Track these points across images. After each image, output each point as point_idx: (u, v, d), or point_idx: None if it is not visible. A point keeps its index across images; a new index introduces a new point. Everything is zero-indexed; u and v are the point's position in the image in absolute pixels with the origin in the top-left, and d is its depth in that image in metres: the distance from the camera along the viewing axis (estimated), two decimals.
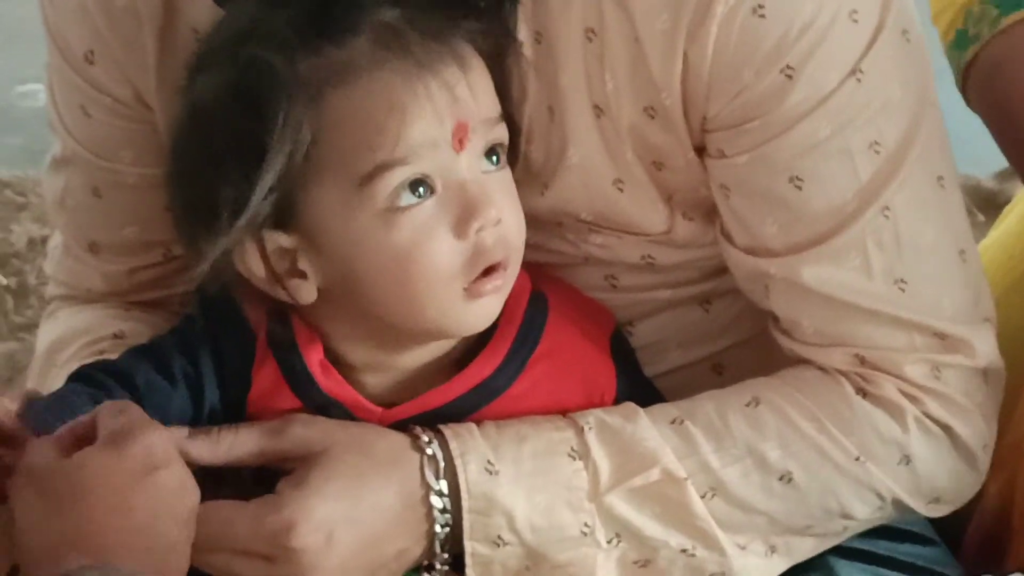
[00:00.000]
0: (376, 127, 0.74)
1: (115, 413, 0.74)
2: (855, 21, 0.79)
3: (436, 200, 0.75)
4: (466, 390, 0.81)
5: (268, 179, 0.73)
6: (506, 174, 0.80)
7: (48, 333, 1.03)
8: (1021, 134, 1.02)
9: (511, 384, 0.82)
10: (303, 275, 0.78)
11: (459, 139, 0.75)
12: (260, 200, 0.74)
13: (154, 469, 0.74)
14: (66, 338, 0.98)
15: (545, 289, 0.86)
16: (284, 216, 0.76)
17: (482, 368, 0.81)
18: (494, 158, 0.78)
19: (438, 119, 0.74)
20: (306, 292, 0.78)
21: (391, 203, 0.74)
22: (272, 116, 0.72)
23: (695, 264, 0.91)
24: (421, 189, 0.74)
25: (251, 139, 0.73)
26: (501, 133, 0.79)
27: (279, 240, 0.77)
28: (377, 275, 0.77)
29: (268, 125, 0.72)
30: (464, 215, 0.75)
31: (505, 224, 0.77)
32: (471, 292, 0.77)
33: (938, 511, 0.91)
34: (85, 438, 0.73)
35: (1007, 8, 1.01)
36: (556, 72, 0.82)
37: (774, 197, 0.82)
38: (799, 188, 0.81)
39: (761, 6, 0.77)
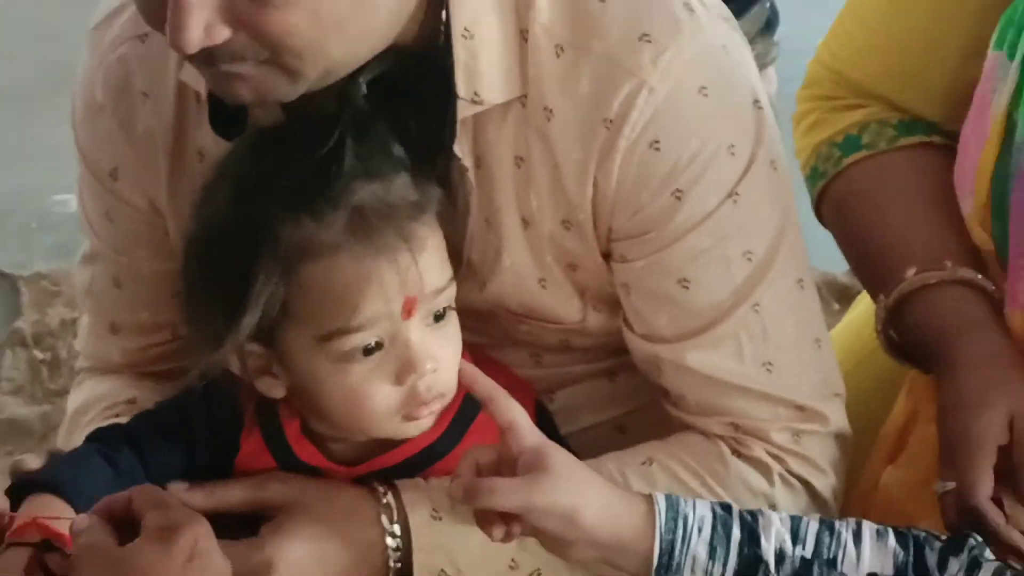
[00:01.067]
0: (336, 300, 0.86)
1: (157, 505, 0.85)
2: (732, 154, 0.92)
3: (382, 354, 0.88)
4: (414, 453, 0.94)
5: (247, 322, 0.86)
6: (449, 320, 0.93)
7: (75, 399, 1.15)
8: (859, 254, 1.17)
9: (452, 449, 0.94)
10: (275, 376, 0.91)
11: (407, 310, 0.87)
12: (239, 332, 0.87)
13: (197, 557, 0.84)
14: (89, 403, 1.10)
15: (482, 369, 0.95)
16: (262, 335, 0.88)
17: (428, 437, 0.94)
18: (439, 318, 0.91)
19: (390, 297, 0.86)
20: (276, 390, 0.92)
21: (345, 358, 0.87)
22: (254, 275, 0.85)
23: (603, 346, 1.03)
24: (372, 348, 0.87)
25: (238, 284, 0.86)
26: (448, 296, 0.91)
27: (255, 349, 0.90)
28: (331, 402, 0.91)
29: (251, 280, 0.85)
30: (405, 369, 0.88)
31: (440, 371, 0.90)
32: (407, 418, 0.90)
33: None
34: (121, 515, 0.84)
35: (847, 151, 1.16)
36: (492, 191, 0.94)
37: (665, 295, 0.94)
38: (686, 288, 0.94)
39: (657, 141, 0.89)
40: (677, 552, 0.94)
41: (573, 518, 0.87)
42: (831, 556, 0.95)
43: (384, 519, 0.94)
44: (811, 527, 0.95)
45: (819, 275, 1.70)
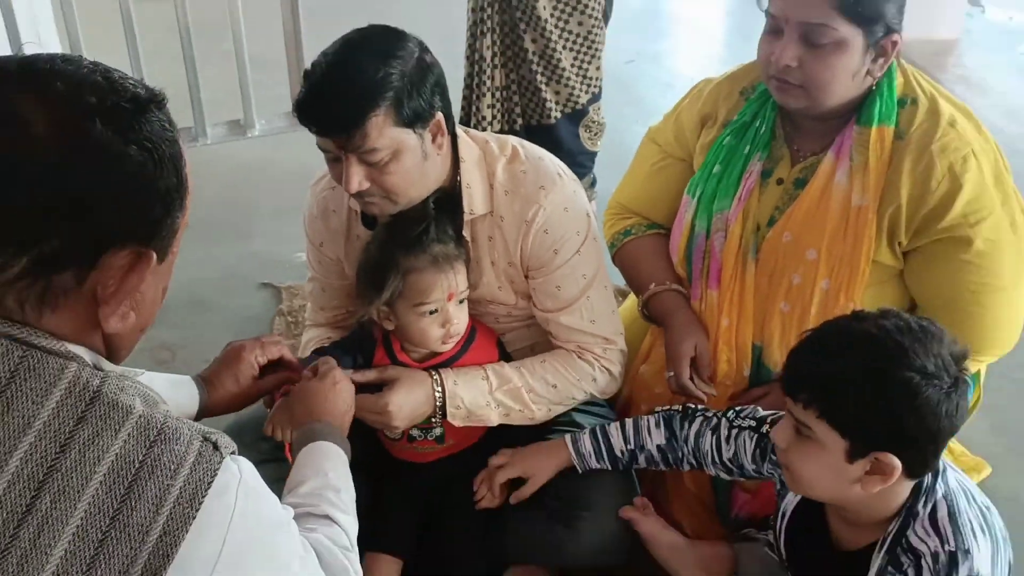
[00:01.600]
0: (421, 291, 1.51)
1: (324, 363, 1.46)
2: (577, 234, 1.60)
3: (437, 315, 1.54)
4: (447, 357, 1.62)
5: (382, 297, 1.51)
6: (465, 302, 1.58)
7: (305, 336, 1.83)
8: (630, 279, 1.86)
9: (462, 356, 1.64)
10: (391, 320, 1.57)
11: (449, 298, 1.54)
12: (379, 301, 1.52)
13: (336, 384, 1.41)
14: (312, 338, 1.78)
15: (475, 324, 1.67)
16: (387, 303, 1.53)
17: (453, 351, 1.62)
18: (461, 301, 1.56)
19: (443, 292, 1.52)
20: (390, 326, 1.58)
21: (422, 314, 1.53)
22: (387, 279, 1.51)
23: (524, 314, 1.71)
24: (434, 310, 1.53)
25: (380, 282, 1.52)
26: (465, 292, 1.56)
27: (384, 309, 1.55)
28: (413, 333, 1.57)
29: (386, 281, 1.51)
30: (446, 321, 1.55)
31: (459, 323, 1.57)
32: (444, 342, 1.58)
33: (605, 396, 1.74)
34: (318, 371, 1.45)
35: (625, 236, 1.88)
36: (479, 251, 1.60)
37: (549, 293, 1.63)
38: (559, 290, 1.63)
39: (547, 231, 1.57)
40: (583, 446, 1.62)
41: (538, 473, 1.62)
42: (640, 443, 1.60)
43: (434, 383, 1.59)
44: (627, 426, 1.62)
45: (616, 286, 2.34)
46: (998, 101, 4.00)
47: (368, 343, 1.68)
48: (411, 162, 1.45)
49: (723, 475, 1.59)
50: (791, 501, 1.47)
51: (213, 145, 3.34)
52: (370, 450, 1.69)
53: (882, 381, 1.20)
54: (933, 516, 1.27)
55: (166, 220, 0.87)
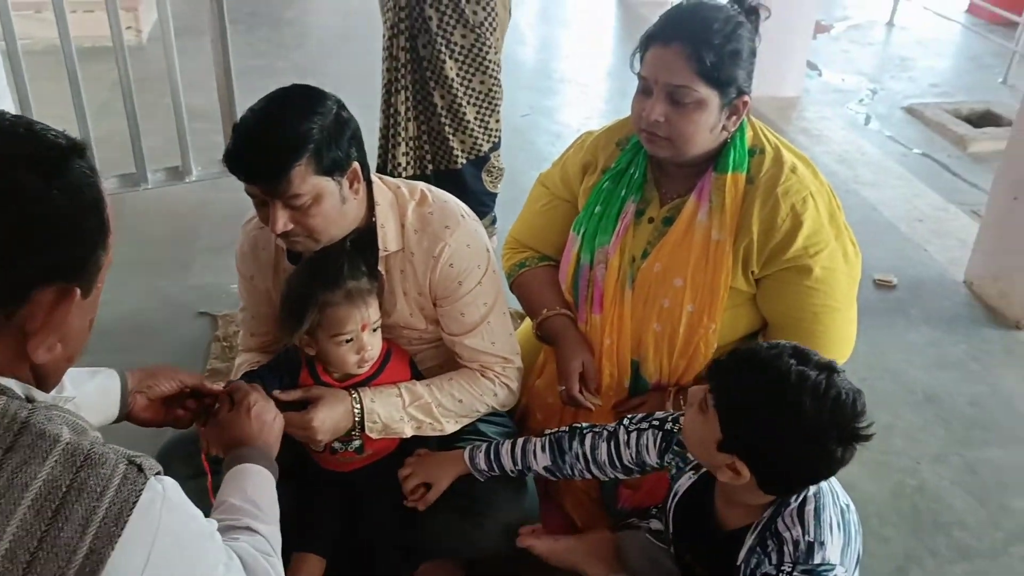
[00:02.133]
0: (337, 323, 1.49)
1: (238, 391, 1.40)
2: (479, 267, 1.60)
3: (353, 342, 1.51)
4: (365, 377, 1.59)
5: (303, 328, 1.48)
6: (377, 330, 1.55)
7: (238, 360, 1.77)
8: (526, 306, 1.85)
9: (378, 377, 1.60)
10: (312, 347, 1.54)
11: (363, 327, 1.51)
12: (300, 331, 1.49)
13: (251, 409, 1.36)
14: (243, 362, 1.73)
15: (390, 347, 1.64)
16: (308, 332, 1.50)
17: (368, 372, 1.59)
18: (375, 329, 1.54)
19: (357, 323, 1.50)
20: (311, 352, 1.54)
21: (338, 342, 1.50)
22: (307, 311, 1.48)
23: (434, 336, 1.69)
24: (349, 338, 1.50)
25: (301, 314, 1.48)
26: (377, 322, 1.53)
27: (305, 337, 1.51)
28: (333, 358, 1.54)
29: (306, 313, 1.48)
30: (360, 348, 1.52)
31: (372, 350, 1.54)
32: (359, 365, 1.55)
33: (505, 409, 1.74)
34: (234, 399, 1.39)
35: (520, 268, 1.87)
36: (392, 283, 1.59)
37: (455, 319, 1.62)
38: (463, 316, 1.62)
39: (452, 265, 1.57)
40: (479, 462, 1.61)
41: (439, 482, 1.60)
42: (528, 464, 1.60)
43: (353, 401, 1.56)
44: (516, 448, 1.61)
45: (513, 310, 2.50)
46: (833, 148, 4.14)
47: (294, 365, 1.64)
48: (330, 206, 1.44)
49: (621, 476, 1.59)
50: (683, 484, 1.48)
51: (154, 189, 3.23)
52: (297, 461, 1.66)
53: (762, 412, 1.22)
54: (801, 509, 1.29)
55: (90, 259, 0.84)
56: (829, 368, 1.23)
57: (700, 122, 1.55)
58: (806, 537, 1.26)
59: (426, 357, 1.75)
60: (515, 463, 1.62)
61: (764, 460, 1.25)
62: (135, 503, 0.80)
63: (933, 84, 5.23)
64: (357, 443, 1.65)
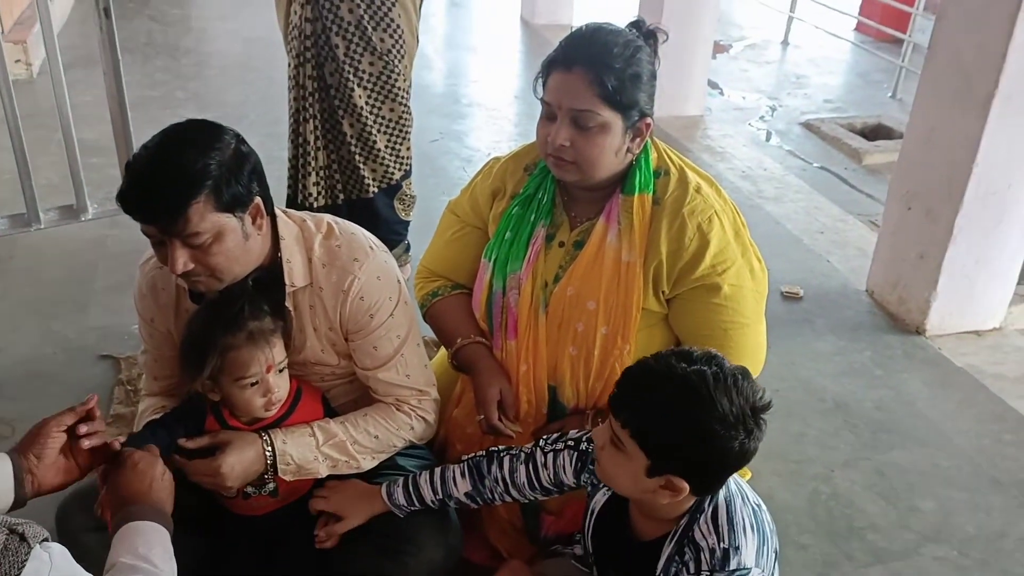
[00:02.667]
0: (241, 366, 1.45)
1: (125, 452, 1.36)
2: (390, 299, 1.58)
3: (258, 386, 1.47)
4: (275, 419, 1.54)
5: (204, 373, 1.43)
6: (284, 370, 1.50)
7: (141, 405, 1.70)
8: (441, 335, 1.85)
9: (290, 416, 1.57)
10: (216, 392, 1.49)
11: (268, 369, 1.47)
12: (202, 377, 1.44)
13: (136, 466, 1.32)
14: (147, 408, 1.66)
15: (300, 384, 1.61)
16: (211, 377, 1.45)
17: (277, 415, 1.54)
18: (281, 370, 1.50)
19: (261, 365, 1.45)
20: (216, 397, 1.50)
21: (243, 386, 1.45)
22: (208, 356, 1.43)
23: (346, 372, 1.65)
24: (254, 382, 1.46)
25: (201, 359, 1.43)
26: (283, 362, 1.49)
27: (208, 383, 1.46)
28: (238, 402, 1.49)
29: (207, 358, 1.42)
30: (266, 390, 1.48)
31: (280, 391, 1.50)
32: (266, 408, 1.50)
33: (423, 442, 1.71)
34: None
35: (433, 297, 1.86)
36: (301, 319, 1.55)
37: (366, 353, 1.59)
38: (375, 350, 1.59)
39: (362, 298, 1.54)
40: (397, 498, 1.58)
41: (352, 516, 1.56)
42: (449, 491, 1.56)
43: (264, 443, 1.52)
44: (435, 478, 1.58)
45: (429, 338, 2.49)
46: (736, 165, 4.25)
47: (199, 411, 1.58)
48: (232, 243, 1.41)
49: (540, 497, 1.58)
50: (599, 500, 1.49)
51: (48, 229, 3.08)
52: (206, 508, 1.61)
53: (686, 423, 1.23)
54: (715, 516, 1.31)
55: None
56: (710, 356, 1.27)
57: (605, 145, 1.56)
58: (721, 544, 1.28)
59: (339, 393, 1.71)
60: (435, 492, 1.59)
61: (699, 466, 1.26)
62: (18, 574, 0.76)
63: (827, 100, 5.44)
64: (271, 486, 1.61)
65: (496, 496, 1.59)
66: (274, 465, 1.54)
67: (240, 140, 1.44)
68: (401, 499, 1.60)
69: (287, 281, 1.53)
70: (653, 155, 1.69)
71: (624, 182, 1.66)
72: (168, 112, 4.35)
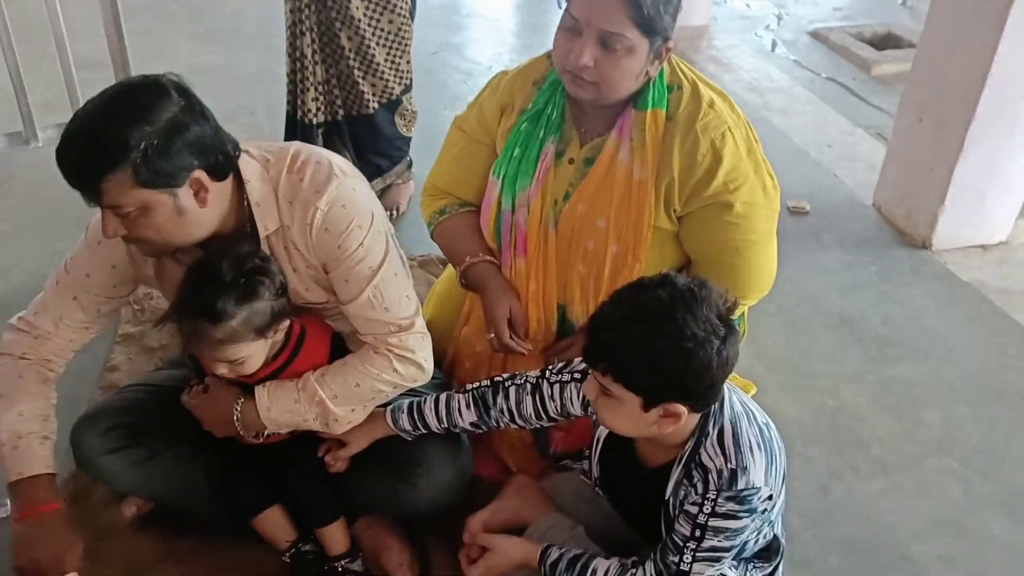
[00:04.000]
0: (204, 355, 1.49)
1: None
2: (359, 227, 1.47)
3: (228, 369, 1.49)
4: (277, 367, 1.54)
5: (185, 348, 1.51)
6: (248, 360, 1.49)
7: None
8: (448, 253, 1.84)
9: (291, 364, 1.55)
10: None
11: (227, 363, 1.48)
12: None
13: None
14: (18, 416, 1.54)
15: (305, 324, 1.58)
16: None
17: (282, 359, 1.54)
18: (241, 363, 1.47)
19: (223, 359, 1.48)
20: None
21: (213, 365, 1.49)
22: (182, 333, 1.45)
23: (335, 308, 1.59)
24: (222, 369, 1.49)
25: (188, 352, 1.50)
26: (243, 360, 1.47)
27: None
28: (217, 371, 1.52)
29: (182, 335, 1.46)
30: (234, 373, 1.50)
31: (247, 369, 1.49)
32: (233, 375, 1.50)
33: (419, 383, 1.61)
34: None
35: (440, 215, 1.84)
36: (280, 262, 1.49)
37: (340, 286, 1.52)
38: (348, 283, 1.51)
39: (327, 228, 1.45)
40: (403, 423, 1.58)
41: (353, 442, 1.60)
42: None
43: (235, 409, 1.54)
44: (440, 406, 1.59)
45: (436, 257, 2.54)
46: (743, 77, 4.16)
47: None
48: (162, 217, 1.33)
49: (547, 424, 1.59)
50: (604, 430, 1.50)
51: (45, 148, 3.00)
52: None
53: (661, 351, 1.22)
54: (720, 437, 1.32)
55: None
56: (661, 279, 1.27)
57: (628, 68, 1.52)
58: (729, 464, 1.30)
59: (347, 325, 1.67)
60: (440, 421, 1.59)
61: (688, 386, 1.26)
62: None
63: (836, 8, 5.29)
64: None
65: (502, 424, 1.60)
66: (243, 426, 1.56)
67: (187, 108, 1.33)
68: (407, 424, 1.60)
69: (259, 227, 1.47)
70: (666, 69, 1.64)
71: (636, 98, 1.63)
72: (160, 22, 4.23)
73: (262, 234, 1.46)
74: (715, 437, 1.32)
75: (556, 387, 1.53)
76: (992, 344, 2.47)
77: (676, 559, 1.34)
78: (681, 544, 1.33)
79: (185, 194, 1.34)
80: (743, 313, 1.86)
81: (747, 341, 2.09)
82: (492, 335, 1.72)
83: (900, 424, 2.16)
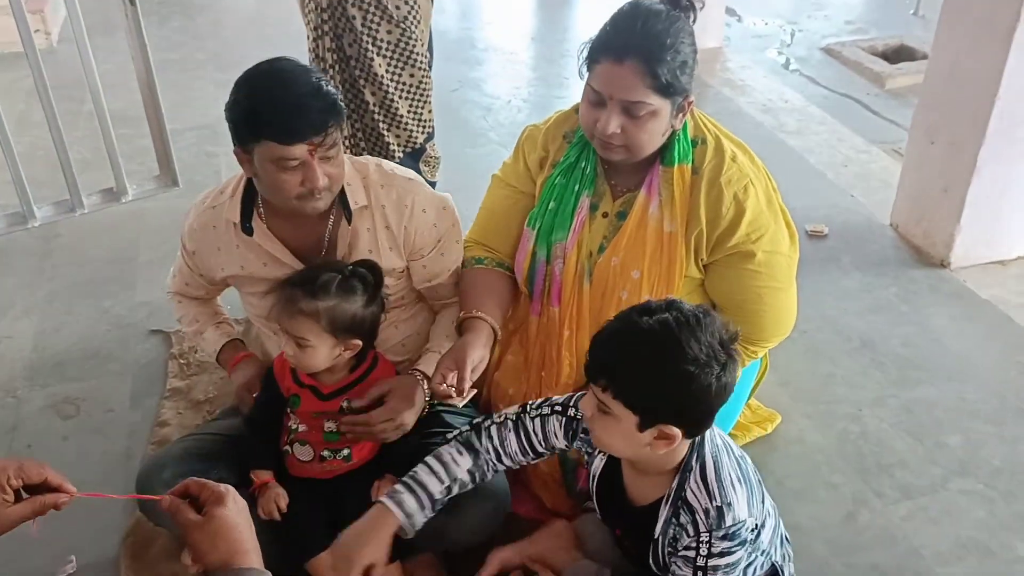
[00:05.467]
0: (289, 325, 1.64)
1: (202, 490, 1.11)
2: (444, 209, 1.81)
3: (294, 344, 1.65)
4: (351, 381, 1.71)
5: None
6: (315, 347, 1.65)
7: (179, 307, 2.02)
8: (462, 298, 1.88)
9: (362, 382, 1.71)
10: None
11: (298, 337, 1.64)
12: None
13: (231, 513, 1.10)
14: (190, 316, 1.99)
15: (377, 354, 1.76)
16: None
17: (356, 375, 1.72)
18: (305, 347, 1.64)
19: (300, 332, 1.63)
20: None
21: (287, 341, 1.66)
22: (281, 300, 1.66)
23: (403, 294, 1.86)
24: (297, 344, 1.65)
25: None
26: (306, 340, 1.63)
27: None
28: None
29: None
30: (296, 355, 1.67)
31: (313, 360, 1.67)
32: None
33: None
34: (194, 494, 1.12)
35: (472, 263, 1.89)
36: (358, 239, 1.75)
37: (436, 260, 1.82)
38: (443, 255, 1.82)
39: (424, 210, 1.76)
40: (411, 512, 1.54)
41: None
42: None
43: (421, 384, 1.74)
44: (435, 466, 1.57)
45: None
46: (757, 98, 4.24)
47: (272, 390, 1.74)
48: (341, 154, 1.65)
49: (534, 461, 1.63)
50: (597, 467, 1.55)
51: (91, 213, 3.14)
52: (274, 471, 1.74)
53: (663, 373, 1.28)
54: (703, 474, 1.38)
55: None
56: (669, 304, 1.32)
57: (654, 130, 1.62)
58: (714, 503, 1.36)
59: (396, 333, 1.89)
60: (441, 481, 1.55)
61: (685, 410, 1.30)
62: None
63: (848, 21, 5.36)
64: (346, 452, 1.71)
65: (489, 468, 1.60)
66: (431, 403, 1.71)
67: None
68: (412, 505, 1.54)
69: (350, 200, 1.70)
70: (690, 123, 1.74)
71: (663, 154, 1.72)
72: (190, 74, 4.39)
73: (352, 206, 1.70)
74: (698, 473, 1.38)
75: (538, 421, 1.56)
76: (1013, 361, 2.51)
77: None
78: None
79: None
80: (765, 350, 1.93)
81: (771, 370, 2.18)
82: (450, 373, 1.67)
83: (923, 447, 2.21)
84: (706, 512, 1.35)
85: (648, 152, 1.66)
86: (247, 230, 1.73)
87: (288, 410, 1.73)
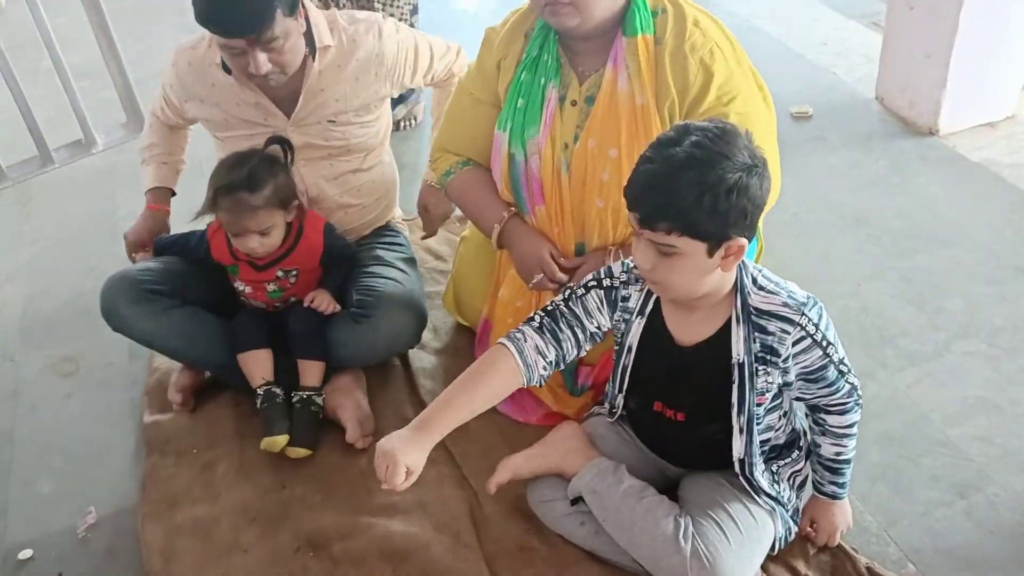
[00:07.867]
0: (227, 223, 1.88)
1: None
2: (410, 28, 2.04)
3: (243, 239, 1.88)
4: (276, 256, 1.95)
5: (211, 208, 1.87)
6: (273, 230, 1.90)
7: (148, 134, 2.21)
8: (468, 212, 1.93)
9: (291, 253, 1.97)
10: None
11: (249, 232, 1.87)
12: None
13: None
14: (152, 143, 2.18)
15: (302, 224, 1.97)
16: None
17: (281, 251, 1.96)
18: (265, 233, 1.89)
19: (248, 227, 1.87)
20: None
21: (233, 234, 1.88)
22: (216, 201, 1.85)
23: (349, 144, 2.06)
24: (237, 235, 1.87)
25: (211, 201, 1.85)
26: (260, 232, 1.89)
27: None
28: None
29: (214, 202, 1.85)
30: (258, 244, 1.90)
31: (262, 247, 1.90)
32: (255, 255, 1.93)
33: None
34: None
35: (450, 174, 1.90)
36: (323, 79, 1.96)
37: (415, 69, 2.10)
38: (418, 59, 2.08)
39: (398, 30, 2.00)
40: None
41: None
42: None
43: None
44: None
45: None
46: None
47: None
48: (296, 40, 1.81)
49: (589, 347, 1.57)
50: (635, 332, 1.51)
51: (61, 168, 3.07)
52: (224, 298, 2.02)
53: (720, 188, 1.24)
54: (756, 282, 1.39)
55: None
56: (686, 127, 1.29)
57: None
58: (782, 298, 1.37)
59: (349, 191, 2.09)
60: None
61: (748, 214, 1.28)
62: None
63: None
64: (293, 299, 2.01)
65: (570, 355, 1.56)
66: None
67: None
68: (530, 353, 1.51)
69: (316, 41, 1.87)
70: None
71: (624, 25, 1.66)
72: (150, 21, 4.24)
73: (319, 46, 1.87)
74: (751, 286, 1.39)
75: (581, 301, 1.52)
76: (1007, 221, 2.49)
77: (846, 383, 1.46)
78: (837, 372, 1.43)
79: (301, 20, 1.81)
80: (759, 228, 1.88)
81: (766, 254, 2.14)
82: (540, 277, 1.76)
83: (924, 314, 2.20)
84: (785, 306, 1.36)
85: (599, 9, 1.58)
86: (227, 69, 1.89)
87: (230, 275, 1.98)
